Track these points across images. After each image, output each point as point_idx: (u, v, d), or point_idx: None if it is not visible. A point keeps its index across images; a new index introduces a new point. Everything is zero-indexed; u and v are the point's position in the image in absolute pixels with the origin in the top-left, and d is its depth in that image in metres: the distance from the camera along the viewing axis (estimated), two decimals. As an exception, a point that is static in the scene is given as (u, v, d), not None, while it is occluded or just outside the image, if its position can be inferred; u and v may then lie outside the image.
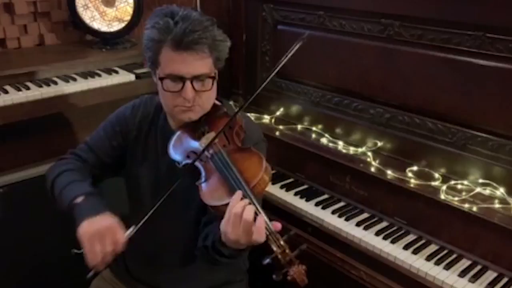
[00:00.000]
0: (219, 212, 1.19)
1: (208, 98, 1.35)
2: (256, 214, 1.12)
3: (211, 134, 1.31)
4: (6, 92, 1.87)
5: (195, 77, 1.28)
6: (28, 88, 1.91)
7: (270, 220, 1.14)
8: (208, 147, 1.27)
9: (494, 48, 1.49)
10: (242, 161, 1.24)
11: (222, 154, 1.26)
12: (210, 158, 1.27)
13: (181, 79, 1.27)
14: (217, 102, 1.42)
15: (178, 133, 1.38)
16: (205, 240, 1.32)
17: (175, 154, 1.34)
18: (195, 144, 1.33)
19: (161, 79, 1.30)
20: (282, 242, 1.12)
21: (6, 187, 1.97)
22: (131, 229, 1.23)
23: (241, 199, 1.14)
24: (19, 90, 1.90)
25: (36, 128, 2.14)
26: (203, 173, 1.27)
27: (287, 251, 1.12)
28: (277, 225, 1.14)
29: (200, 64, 1.27)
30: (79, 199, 1.28)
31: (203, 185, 1.25)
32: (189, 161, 1.29)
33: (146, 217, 1.23)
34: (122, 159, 1.51)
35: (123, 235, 1.22)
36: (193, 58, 1.26)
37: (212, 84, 1.33)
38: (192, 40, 1.24)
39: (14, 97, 1.85)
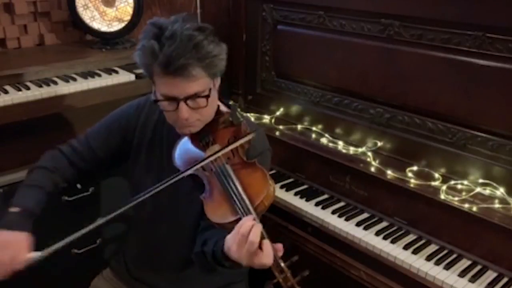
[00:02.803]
0: (223, 228, 1.17)
1: (207, 111, 1.31)
2: (263, 236, 1.08)
3: (216, 146, 1.28)
4: (6, 92, 1.87)
5: (188, 97, 1.24)
6: (28, 88, 1.91)
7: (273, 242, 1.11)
8: (211, 160, 1.24)
9: (494, 48, 1.49)
10: (246, 177, 1.21)
11: (227, 169, 1.22)
12: (214, 171, 1.24)
13: (175, 99, 1.25)
14: (222, 108, 1.39)
15: (183, 139, 1.36)
16: (203, 246, 1.29)
17: (179, 162, 1.32)
18: (200, 154, 1.30)
19: (156, 101, 1.29)
20: (284, 267, 1.10)
21: (6, 187, 1.96)
22: (37, 253, 1.22)
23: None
24: (19, 90, 1.89)
25: (36, 128, 2.13)
26: (206, 187, 1.25)
27: (288, 276, 1.10)
28: (280, 248, 1.11)
29: (192, 85, 1.23)
30: (15, 209, 1.31)
31: (207, 199, 1.23)
32: (191, 171, 1.25)
33: (55, 247, 1.20)
34: (118, 158, 1.50)
35: (25, 255, 1.22)
36: (184, 81, 1.21)
37: (207, 101, 1.28)
38: (179, 66, 1.18)
39: (14, 97, 1.85)
